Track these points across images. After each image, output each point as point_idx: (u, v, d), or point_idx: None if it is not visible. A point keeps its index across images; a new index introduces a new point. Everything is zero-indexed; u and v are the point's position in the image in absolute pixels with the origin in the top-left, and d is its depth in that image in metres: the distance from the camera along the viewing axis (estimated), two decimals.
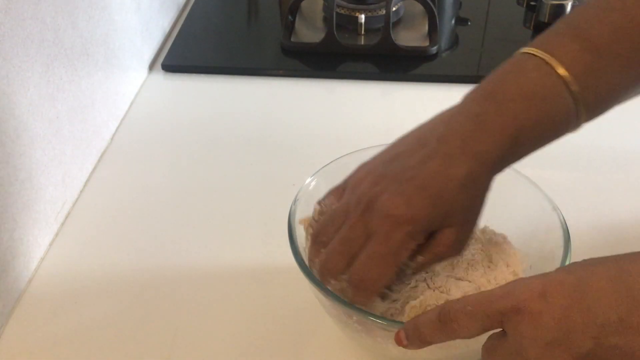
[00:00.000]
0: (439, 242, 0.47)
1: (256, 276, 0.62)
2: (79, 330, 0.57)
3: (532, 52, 0.46)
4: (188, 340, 0.56)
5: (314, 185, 0.56)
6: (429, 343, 0.42)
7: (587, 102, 0.46)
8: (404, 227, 0.45)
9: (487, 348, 0.41)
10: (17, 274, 0.59)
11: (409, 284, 0.50)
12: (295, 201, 0.54)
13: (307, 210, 0.54)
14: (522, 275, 0.52)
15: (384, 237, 0.45)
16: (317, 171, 0.57)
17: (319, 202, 0.52)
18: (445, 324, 0.40)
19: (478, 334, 0.40)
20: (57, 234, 0.66)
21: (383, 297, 0.49)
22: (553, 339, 0.36)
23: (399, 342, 0.43)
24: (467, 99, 0.48)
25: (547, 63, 0.45)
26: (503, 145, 0.45)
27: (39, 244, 0.63)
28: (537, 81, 0.45)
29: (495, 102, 0.46)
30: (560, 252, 0.49)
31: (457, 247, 0.48)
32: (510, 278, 0.51)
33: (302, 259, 0.50)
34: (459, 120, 0.47)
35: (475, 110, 0.46)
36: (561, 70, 0.45)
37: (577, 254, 0.45)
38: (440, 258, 0.48)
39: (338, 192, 0.51)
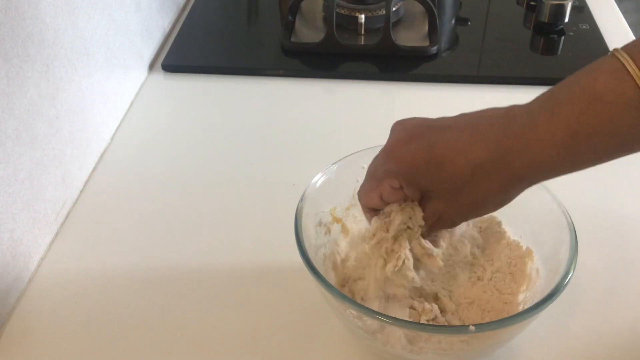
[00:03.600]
0: (423, 207, 0.49)
1: (257, 276, 0.62)
2: (79, 330, 0.57)
3: (616, 52, 0.40)
4: (189, 341, 0.56)
5: (320, 184, 0.56)
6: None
7: None
8: (389, 162, 0.48)
9: None
10: (17, 274, 0.59)
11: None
12: (302, 199, 0.54)
13: (313, 208, 0.55)
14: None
15: (375, 169, 0.50)
16: (325, 170, 0.57)
17: None
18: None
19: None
20: (57, 234, 0.66)
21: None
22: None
23: None
24: (537, 97, 0.44)
25: (623, 65, 0.39)
26: (548, 151, 0.41)
27: (39, 244, 0.63)
28: (605, 84, 0.40)
29: (552, 102, 0.42)
30: (567, 253, 0.50)
31: (437, 222, 0.49)
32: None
33: (308, 257, 0.50)
34: (516, 110, 0.43)
35: (533, 107, 0.43)
36: (636, 74, 0.39)
37: (582, 251, 0.50)
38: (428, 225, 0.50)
39: None
